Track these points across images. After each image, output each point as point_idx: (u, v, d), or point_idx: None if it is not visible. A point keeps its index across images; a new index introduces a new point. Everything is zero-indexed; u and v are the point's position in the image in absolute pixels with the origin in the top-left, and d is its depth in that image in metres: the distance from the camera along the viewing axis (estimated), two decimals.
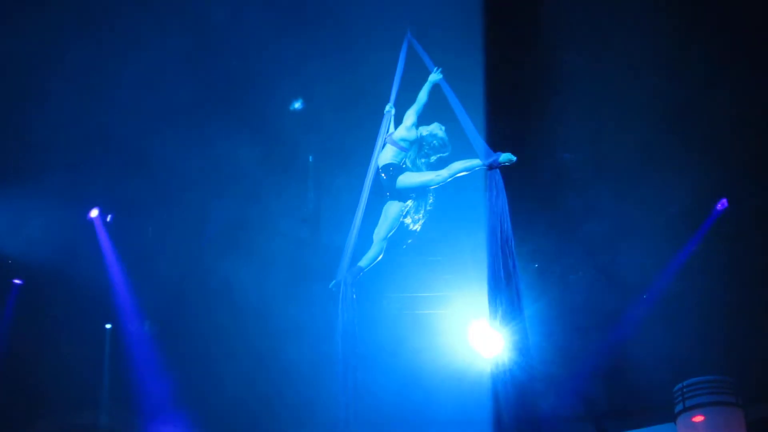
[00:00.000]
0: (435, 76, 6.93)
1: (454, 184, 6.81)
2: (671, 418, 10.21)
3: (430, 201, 6.84)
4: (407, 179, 6.72)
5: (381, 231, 6.78)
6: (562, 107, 9.63)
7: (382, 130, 7.02)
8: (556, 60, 9.37)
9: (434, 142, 6.79)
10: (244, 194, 10.74)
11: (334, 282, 6.57)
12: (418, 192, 6.76)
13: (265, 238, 10.83)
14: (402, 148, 6.79)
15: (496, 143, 6.61)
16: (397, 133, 6.86)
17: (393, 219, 6.78)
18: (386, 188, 6.78)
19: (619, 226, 10.43)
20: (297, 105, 10.18)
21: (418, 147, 6.82)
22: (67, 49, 9.07)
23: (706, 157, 9.79)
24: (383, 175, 6.75)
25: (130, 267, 10.65)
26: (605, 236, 10.43)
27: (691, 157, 9.86)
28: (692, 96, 9.49)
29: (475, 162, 6.49)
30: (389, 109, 7.15)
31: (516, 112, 9.59)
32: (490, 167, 6.37)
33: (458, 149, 6.84)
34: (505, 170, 6.42)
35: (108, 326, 10.86)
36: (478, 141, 6.49)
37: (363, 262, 6.71)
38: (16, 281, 10.40)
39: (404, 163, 6.80)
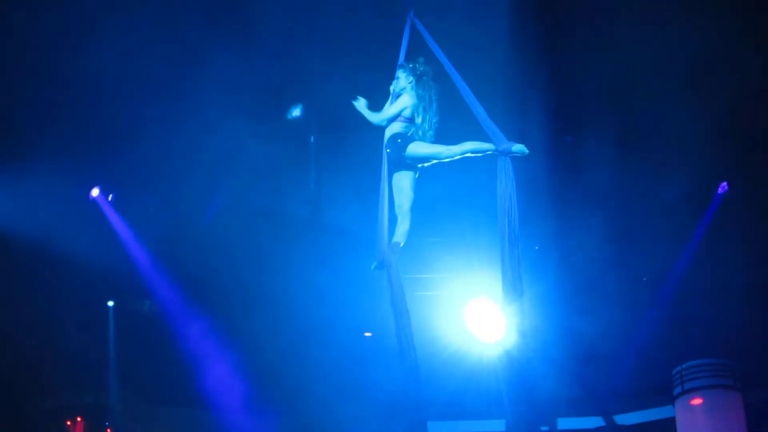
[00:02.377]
0: None
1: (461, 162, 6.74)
2: (670, 400, 10.32)
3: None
4: (417, 149, 6.63)
5: (403, 203, 6.66)
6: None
7: None
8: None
9: (424, 77, 6.74)
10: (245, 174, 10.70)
11: (375, 263, 6.44)
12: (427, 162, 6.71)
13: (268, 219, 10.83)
14: (406, 119, 6.73)
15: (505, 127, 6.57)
16: (399, 104, 6.80)
17: (409, 188, 6.70)
18: (392, 160, 6.72)
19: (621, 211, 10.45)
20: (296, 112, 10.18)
21: (420, 96, 6.71)
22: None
23: (711, 136, 9.74)
24: (388, 149, 6.69)
25: (131, 245, 10.62)
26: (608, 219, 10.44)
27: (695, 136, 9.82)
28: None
29: (488, 145, 6.45)
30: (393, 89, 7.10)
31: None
32: (502, 154, 6.35)
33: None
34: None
35: (110, 303, 10.84)
36: (492, 127, 6.45)
37: (398, 238, 6.53)
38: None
39: (411, 132, 6.72)
